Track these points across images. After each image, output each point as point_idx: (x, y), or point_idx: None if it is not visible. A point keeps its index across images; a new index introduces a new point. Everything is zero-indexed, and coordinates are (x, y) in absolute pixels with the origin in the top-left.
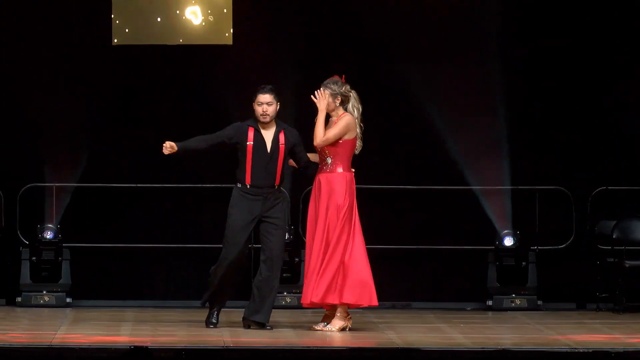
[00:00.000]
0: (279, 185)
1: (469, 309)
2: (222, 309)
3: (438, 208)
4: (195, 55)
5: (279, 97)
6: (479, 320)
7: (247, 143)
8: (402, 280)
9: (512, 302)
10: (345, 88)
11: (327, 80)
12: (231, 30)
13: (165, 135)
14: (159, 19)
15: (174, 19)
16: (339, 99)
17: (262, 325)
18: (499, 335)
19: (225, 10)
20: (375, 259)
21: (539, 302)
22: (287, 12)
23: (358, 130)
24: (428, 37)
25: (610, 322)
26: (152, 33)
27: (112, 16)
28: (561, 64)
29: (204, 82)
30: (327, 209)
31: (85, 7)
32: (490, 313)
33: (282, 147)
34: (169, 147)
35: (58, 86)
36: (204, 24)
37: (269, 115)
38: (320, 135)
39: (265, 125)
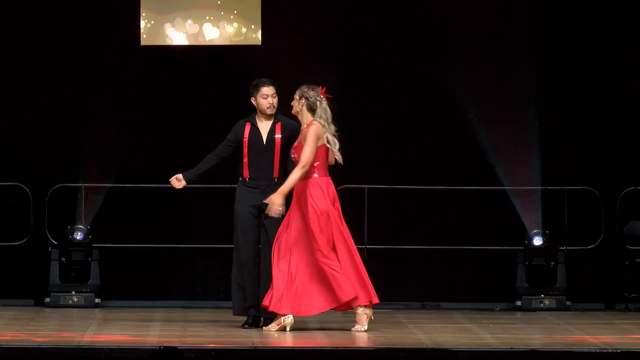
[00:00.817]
0: (279, 179)
1: (497, 309)
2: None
3: (467, 208)
4: (224, 56)
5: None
6: (507, 320)
7: (243, 138)
8: (431, 280)
9: (540, 302)
10: (314, 95)
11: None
12: (260, 31)
13: (194, 136)
14: (188, 21)
15: (203, 19)
16: (303, 102)
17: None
18: (527, 335)
19: (254, 11)
20: (405, 259)
21: (568, 303)
22: (316, 12)
23: (330, 137)
24: (461, 37)
25: (639, 322)
26: (180, 33)
27: (141, 16)
28: (592, 65)
29: (232, 83)
30: (305, 215)
31: (115, 8)
32: (519, 313)
33: (277, 139)
34: (176, 182)
35: (87, 86)
36: (233, 24)
37: (275, 106)
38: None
39: (264, 119)
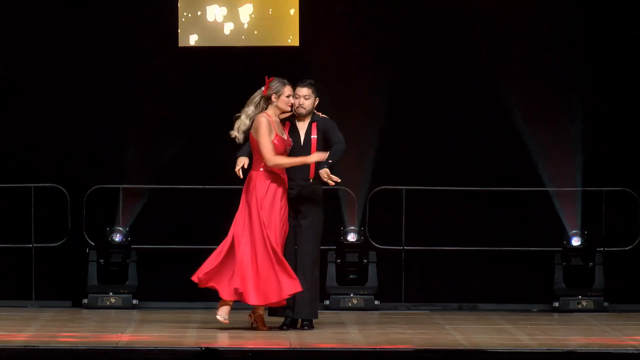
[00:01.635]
0: (314, 179)
1: (535, 310)
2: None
3: (505, 209)
4: (261, 57)
5: (317, 92)
6: (545, 321)
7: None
8: (469, 281)
9: (578, 303)
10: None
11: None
12: (297, 32)
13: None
14: (225, 22)
15: (240, 20)
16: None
17: (307, 323)
18: (565, 337)
19: (291, 12)
20: (443, 260)
21: (605, 304)
22: (354, 13)
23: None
24: (502, 36)
25: None
26: (218, 35)
27: (179, 17)
28: (635, 65)
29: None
30: (251, 205)
31: (153, 9)
32: (556, 314)
33: (314, 139)
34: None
35: (126, 88)
36: (270, 25)
37: (305, 108)
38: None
39: (301, 119)
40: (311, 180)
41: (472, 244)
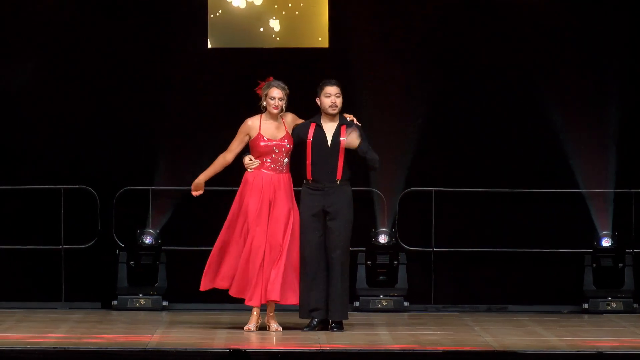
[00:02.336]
0: (341, 180)
1: (564, 312)
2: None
3: (534, 210)
4: (290, 59)
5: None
6: (574, 323)
7: (307, 139)
8: (498, 283)
9: (607, 305)
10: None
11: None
12: (327, 33)
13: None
14: (255, 23)
15: (270, 22)
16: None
17: (336, 324)
18: (594, 338)
19: (321, 14)
20: (472, 261)
21: (635, 305)
22: (384, 14)
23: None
24: (538, 38)
25: None
26: (247, 36)
27: (209, 19)
28: None
29: (299, 86)
30: (291, 209)
31: (182, 10)
32: (586, 316)
33: (342, 141)
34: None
35: (156, 89)
36: (299, 27)
37: (337, 106)
38: None
39: (328, 120)
40: (338, 182)
41: (501, 245)
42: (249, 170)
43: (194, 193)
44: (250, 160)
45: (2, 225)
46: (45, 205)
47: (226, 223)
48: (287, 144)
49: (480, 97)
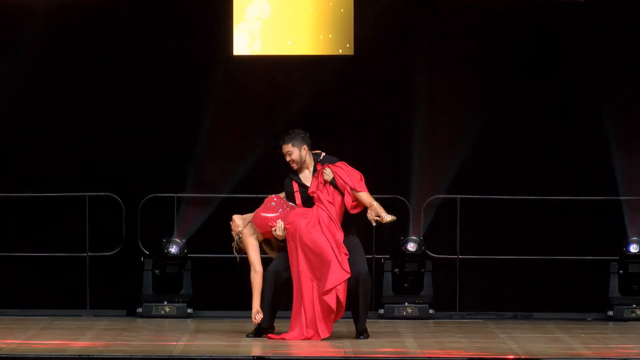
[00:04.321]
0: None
1: (589, 319)
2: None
3: (559, 218)
4: (316, 66)
5: (301, 139)
6: (600, 330)
7: (297, 202)
8: (523, 290)
9: (632, 312)
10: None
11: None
12: (352, 41)
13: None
14: (279, 29)
15: (294, 30)
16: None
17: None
18: (619, 345)
19: (346, 21)
20: (497, 269)
21: None
22: (409, 21)
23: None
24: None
25: None
26: (272, 44)
27: (233, 26)
28: None
29: (325, 93)
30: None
31: (207, 17)
32: (610, 323)
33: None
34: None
35: (181, 97)
36: (324, 34)
37: (295, 161)
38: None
39: (300, 170)
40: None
41: (527, 252)
42: (278, 237)
43: (256, 321)
44: (275, 230)
45: (28, 233)
46: (70, 213)
47: None
48: (277, 208)
49: (504, 104)
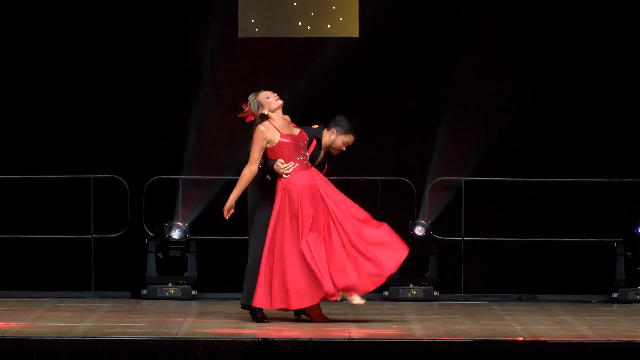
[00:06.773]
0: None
1: (594, 301)
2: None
3: (564, 199)
4: (321, 48)
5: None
6: (604, 312)
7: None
8: (528, 272)
9: (637, 294)
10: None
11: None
12: (357, 23)
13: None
14: (285, 12)
15: (300, 12)
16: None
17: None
18: (625, 327)
19: (351, 3)
20: (502, 251)
21: None
22: (413, 3)
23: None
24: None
25: None
26: (278, 26)
27: (239, 9)
28: None
29: (330, 75)
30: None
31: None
32: (615, 305)
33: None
34: None
35: (185, 78)
36: (330, 16)
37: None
38: None
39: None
40: None
41: (531, 234)
42: (284, 175)
43: (227, 215)
44: (283, 163)
45: (32, 215)
46: (75, 195)
47: (274, 237)
48: (304, 137)
49: (507, 88)
